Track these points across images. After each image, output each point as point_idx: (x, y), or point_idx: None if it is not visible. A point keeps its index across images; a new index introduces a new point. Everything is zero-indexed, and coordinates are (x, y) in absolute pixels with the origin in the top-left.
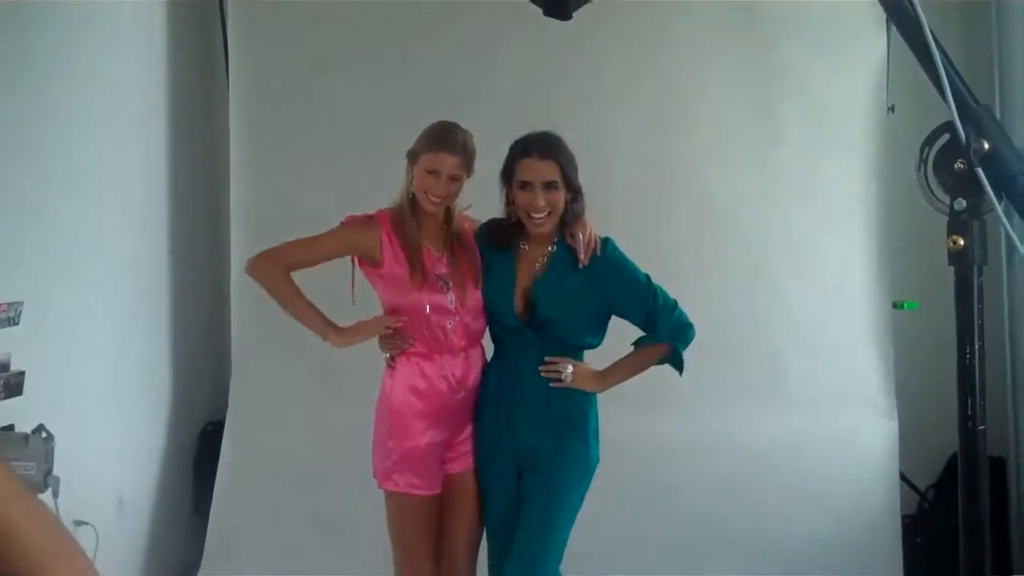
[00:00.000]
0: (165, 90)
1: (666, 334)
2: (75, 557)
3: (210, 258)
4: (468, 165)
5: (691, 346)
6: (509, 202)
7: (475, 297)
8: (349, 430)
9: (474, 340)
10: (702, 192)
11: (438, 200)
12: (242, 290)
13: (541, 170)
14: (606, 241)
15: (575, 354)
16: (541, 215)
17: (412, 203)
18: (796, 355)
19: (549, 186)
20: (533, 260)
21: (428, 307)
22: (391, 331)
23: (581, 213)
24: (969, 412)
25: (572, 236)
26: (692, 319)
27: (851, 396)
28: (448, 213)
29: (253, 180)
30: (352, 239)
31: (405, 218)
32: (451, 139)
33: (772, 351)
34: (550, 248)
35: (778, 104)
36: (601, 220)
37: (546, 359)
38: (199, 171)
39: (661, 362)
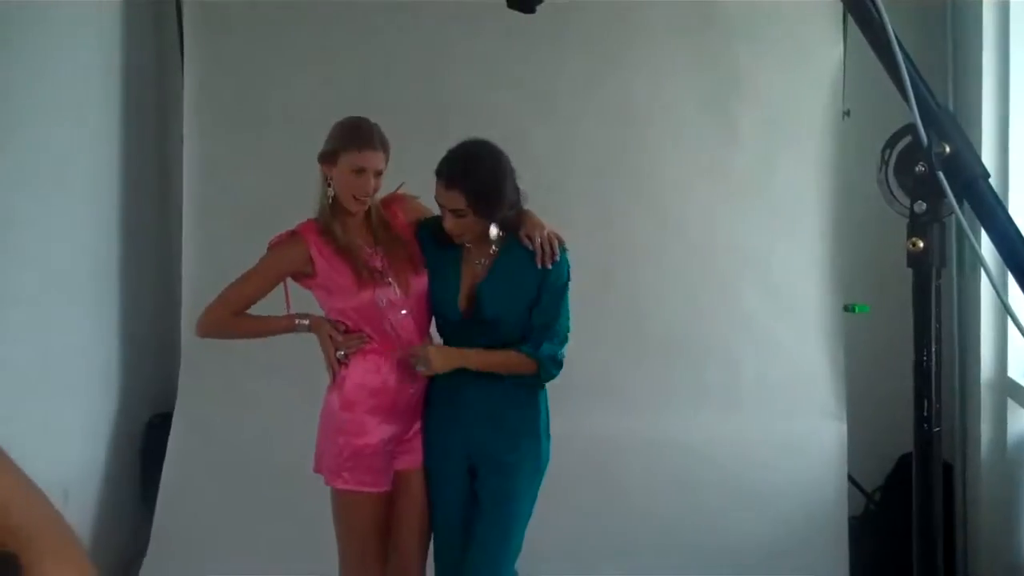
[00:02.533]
0: (119, 82)
1: (543, 355)
2: (62, 529)
3: (161, 248)
4: (387, 158)
5: (644, 345)
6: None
7: (418, 284)
8: (298, 422)
9: (422, 332)
10: (656, 194)
11: (366, 199)
12: (193, 281)
13: (448, 198)
14: (563, 250)
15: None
16: (456, 234)
17: (334, 207)
18: (747, 357)
19: (456, 213)
20: (476, 259)
21: (382, 301)
22: (341, 331)
23: (515, 220)
24: (925, 415)
25: (528, 239)
26: (639, 321)
27: (801, 398)
28: (368, 207)
29: (206, 172)
30: (281, 263)
31: (331, 224)
32: (371, 135)
33: (723, 352)
34: (493, 248)
35: (734, 107)
36: (555, 222)
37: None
38: (151, 161)
39: (516, 377)
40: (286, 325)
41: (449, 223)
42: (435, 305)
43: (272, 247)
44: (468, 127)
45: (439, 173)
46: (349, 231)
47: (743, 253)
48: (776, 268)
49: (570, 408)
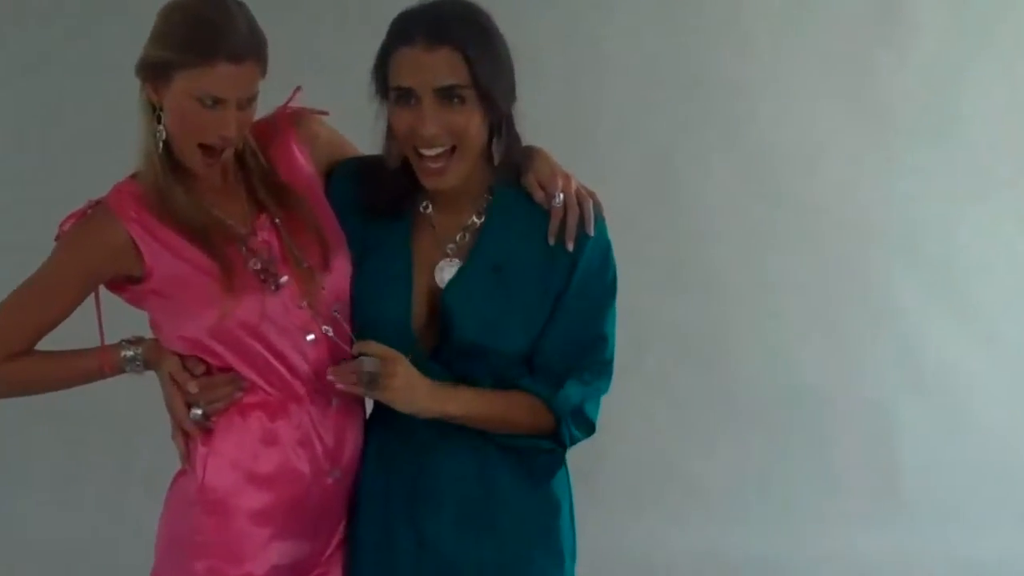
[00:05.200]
0: None
1: (565, 405)
2: None
3: None
4: (265, 67)
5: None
6: (388, 131)
7: (338, 283)
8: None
9: None
10: None
11: (223, 146)
12: None
13: (431, 67)
14: (599, 220)
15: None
16: (434, 150)
17: (169, 156)
18: (908, 421)
19: (447, 95)
20: (443, 236)
21: (271, 318)
22: (199, 373)
23: (515, 157)
24: None
25: (541, 189)
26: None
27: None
28: (240, 150)
29: None
30: (85, 260)
31: (165, 186)
32: (231, 32)
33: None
34: (474, 217)
35: None
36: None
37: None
38: None
39: (523, 438)
40: (100, 364)
41: (429, 122)
42: (369, 323)
43: (65, 235)
44: None
45: (407, 34)
46: (201, 194)
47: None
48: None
49: (618, 504)
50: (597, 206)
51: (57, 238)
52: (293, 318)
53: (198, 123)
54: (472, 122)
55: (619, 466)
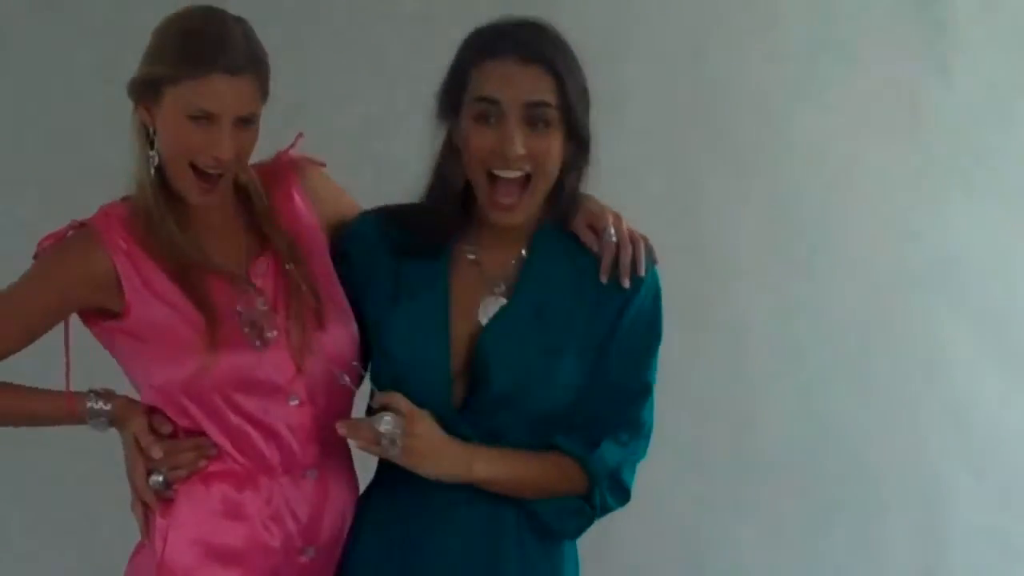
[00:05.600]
0: None
1: (601, 467)
2: None
3: None
4: (265, 88)
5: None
6: (448, 153)
7: (330, 345)
8: None
9: (332, 442)
10: None
11: (218, 170)
12: None
13: (520, 81)
14: (651, 263)
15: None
16: (513, 174)
17: (164, 187)
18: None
19: (533, 116)
20: (489, 274)
21: (255, 377)
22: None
23: (578, 190)
24: None
25: (591, 230)
26: None
27: None
28: (242, 184)
29: None
30: (60, 284)
31: (157, 215)
32: (228, 43)
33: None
34: (521, 252)
35: None
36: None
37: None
38: None
39: (550, 501)
40: (62, 409)
41: (518, 141)
42: (401, 368)
43: (43, 255)
44: None
45: (494, 47)
46: (195, 230)
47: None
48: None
49: None
50: (649, 250)
51: (37, 255)
52: (277, 379)
53: (190, 142)
54: (553, 148)
55: (634, 543)
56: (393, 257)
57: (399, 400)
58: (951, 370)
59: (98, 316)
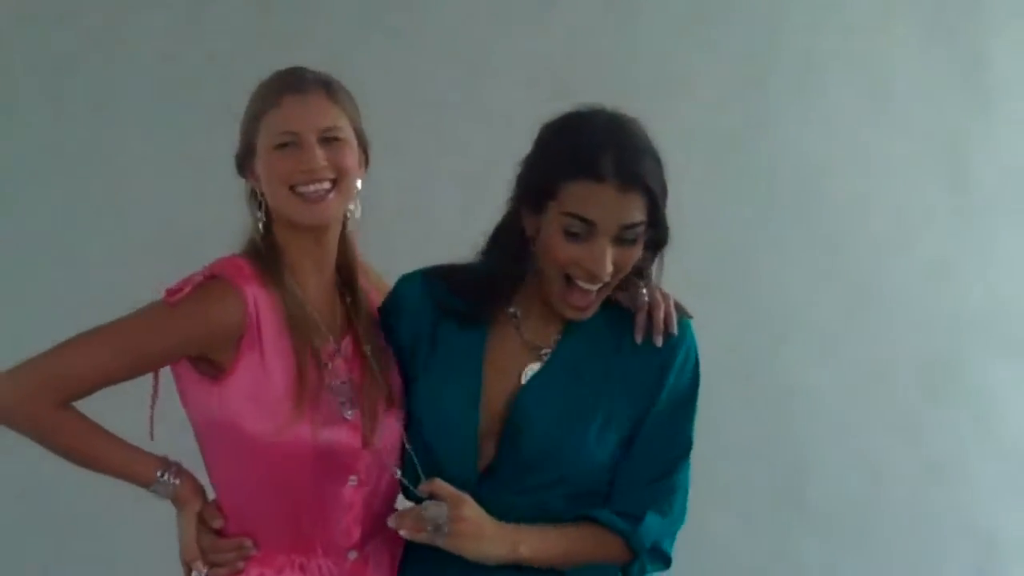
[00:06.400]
0: None
1: (645, 542)
2: None
3: None
4: (349, 112)
5: None
6: (517, 233)
7: (390, 428)
8: None
9: (378, 523)
10: None
11: (316, 189)
12: None
13: (619, 208)
14: (685, 322)
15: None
16: (594, 287)
17: (270, 233)
18: None
19: (625, 236)
20: (532, 342)
21: (318, 446)
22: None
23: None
24: None
25: (629, 295)
26: None
27: None
28: (343, 236)
29: None
30: (190, 330)
31: (278, 267)
32: (296, 74)
33: None
34: (563, 323)
35: None
36: None
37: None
38: None
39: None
40: (139, 470)
41: (607, 261)
42: (432, 443)
43: (175, 298)
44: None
45: (597, 169)
46: (302, 284)
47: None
48: None
49: None
50: (679, 307)
51: (169, 301)
52: (348, 457)
53: (283, 169)
54: (634, 257)
55: None
56: (432, 318)
57: (441, 486)
58: (1006, 419)
59: (195, 367)
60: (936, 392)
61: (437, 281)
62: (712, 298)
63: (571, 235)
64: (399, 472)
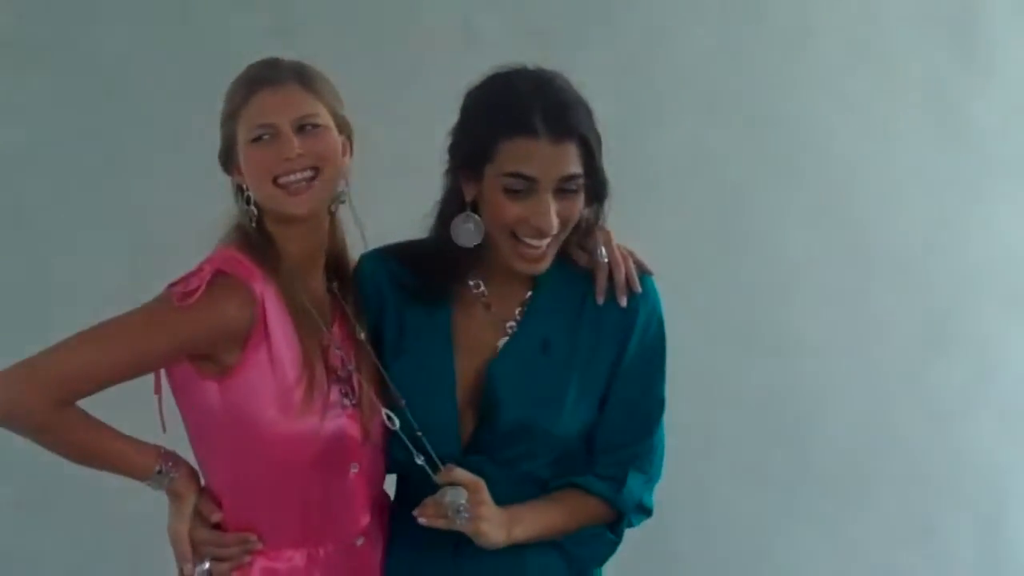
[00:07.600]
0: None
1: (630, 503)
2: None
3: None
4: (326, 99)
5: None
6: (459, 202)
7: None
8: None
9: (377, 505)
10: None
11: (297, 179)
12: None
13: (556, 160)
14: (645, 277)
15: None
16: (543, 242)
17: (261, 224)
18: None
19: (565, 187)
20: (500, 315)
21: (320, 437)
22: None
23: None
24: None
25: (587, 253)
26: None
27: None
28: (332, 223)
29: None
30: (198, 328)
31: (269, 257)
32: (271, 70)
33: None
34: (530, 291)
35: None
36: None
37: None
38: None
39: (578, 538)
40: (137, 462)
41: (552, 214)
42: (414, 423)
43: (180, 295)
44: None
45: (529, 123)
46: (298, 278)
47: None
48: None
49: None
50: (640, 264)
51: (175, 295)
52: (350, 445)
53: (264, 162)
54: (578, 208)
55: (696, 556)
56: (398, 300)
57: (457, 472)
58: (1007, 365)
59: (199, 365)
60: (938, 343)
61: (392, 259)
62: (714, 254)
63: (513, 193)
64: (421, 459)
